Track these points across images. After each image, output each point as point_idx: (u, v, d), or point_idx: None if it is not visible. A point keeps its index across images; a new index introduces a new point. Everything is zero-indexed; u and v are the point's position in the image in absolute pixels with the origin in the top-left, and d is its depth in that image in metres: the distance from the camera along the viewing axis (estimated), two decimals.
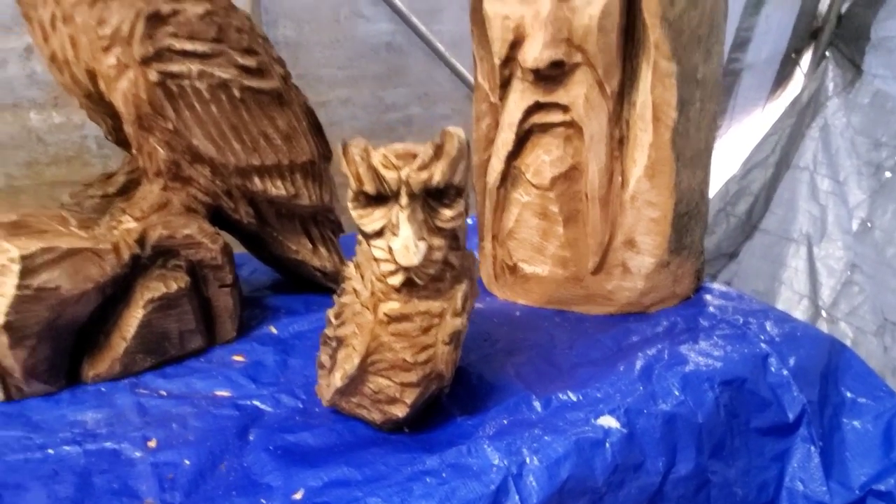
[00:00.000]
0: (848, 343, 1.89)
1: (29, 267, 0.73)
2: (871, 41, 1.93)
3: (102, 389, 0.83)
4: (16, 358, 0.75)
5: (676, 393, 0.85)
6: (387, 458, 0.71)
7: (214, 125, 0.84)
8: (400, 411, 0.72)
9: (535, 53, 0.92)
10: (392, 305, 0.67)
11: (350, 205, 0.66)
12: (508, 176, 1.07)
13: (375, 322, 0.68)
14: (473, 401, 0.83)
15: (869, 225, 1.85)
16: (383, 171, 0.63)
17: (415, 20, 1.78)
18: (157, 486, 0.67)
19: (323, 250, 1.03)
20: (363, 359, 0.69)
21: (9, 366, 0.76)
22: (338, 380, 0.72)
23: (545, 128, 1.00)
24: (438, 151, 0.64)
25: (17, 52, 1.50)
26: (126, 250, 0.80)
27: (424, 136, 1.90)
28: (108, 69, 0.78)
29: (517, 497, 0.68)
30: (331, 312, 0.80)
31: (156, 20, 0.79)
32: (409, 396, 0.71)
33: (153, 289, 0.83)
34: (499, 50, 0.99)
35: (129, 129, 0.82)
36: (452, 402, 0.82)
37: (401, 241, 0.63)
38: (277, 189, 0.92)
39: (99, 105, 0.84)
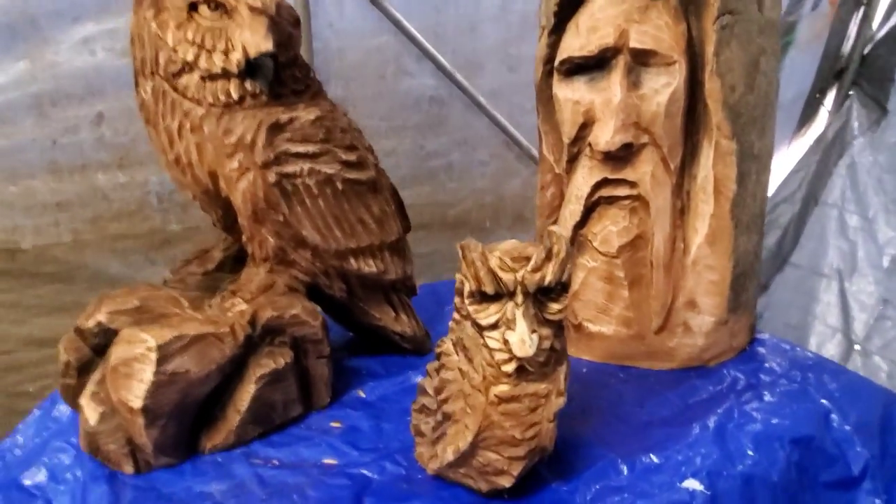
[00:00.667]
0: (883, 377, 1.95)
1: (164, 354, 0.80)
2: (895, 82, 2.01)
3: (219, 460, 0.89)
4: (149, 436, 0.82)
5: (751, 453, 0.91)
6: None
7: (320, 216, 0.92)
8: (506, 482, 0.79)
9: (607, 137, 0.99)
10: (503, 388, 0.74)
11: (466, 301, 0.73)
12: (574, 243, 1.14)
13: (487, 403, 0.75)
14: (563, 465, 0.89)
15: None
16: (501, 274, 0.70)
17: (458, 75, 1.86)
18: None
19: (403, 316, 1.10)
20: (475, 436, 0.76)
21: (142, 443, 0.83)
22: (449, 454, 0.79)
23: (612, 200, 1.07)
24: (549, 253, 0.70)
25: (89, 118, 1.59)
26: (241, 332, 0.87)
27: (465, 181, 1.98)
28: (231, 172, 0.86)
29: None
30: (427, 385, 0.87)
31: (275, 128, 0.87)
32: (516, 469, 0.78)
33: (263, 365, 0.90)
34: (568, 131, 1.07)
35: (243, 221, 0.89)
36: (543, 465, 0.88)
37: (517, 336, 0.70)
38: (369, 267, 0.99)
39: (214, 200, 0.92)
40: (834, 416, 0.99)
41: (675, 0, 0.97)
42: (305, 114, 0.90)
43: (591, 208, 1.10)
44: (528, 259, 0.71)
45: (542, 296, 0.72)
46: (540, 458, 0.80)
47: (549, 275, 0.70)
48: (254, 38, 0.83)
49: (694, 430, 0.94)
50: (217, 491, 0.83)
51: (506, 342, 0.71)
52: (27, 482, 0.87)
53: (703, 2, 0.96)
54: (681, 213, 1.08)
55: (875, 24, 2.22)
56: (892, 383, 1.87)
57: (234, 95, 0.85)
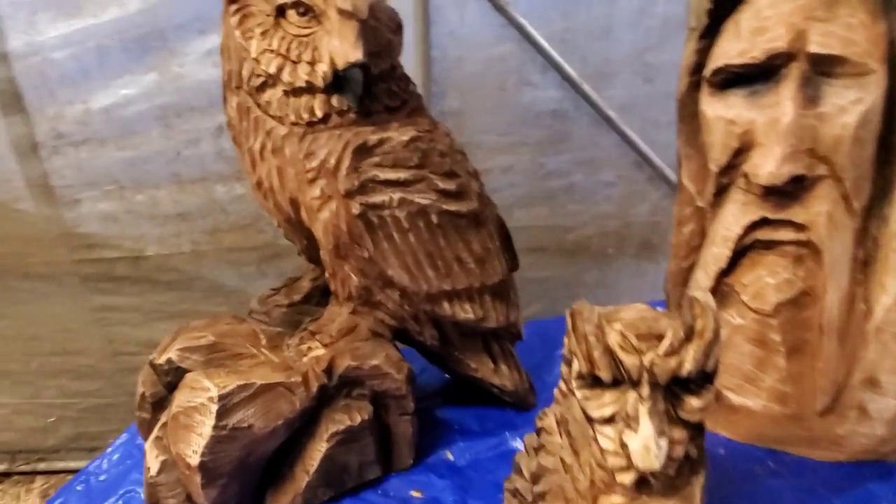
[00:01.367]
0: None
1: (226, 406, 0.71)
2: None
3: None
4: (207, 497, 0.73)
5: None
6: None
7: (410, 254, 0.80)
8: None
9: (770, 168, 0.78)
10: (616, 501, 0.57)
11: (574, 382, 0.57)
12: (716, 293, 0.93)
13: None
14: None
15: None
16: (622, 355, 0.53)
17: (585, 87, 1.68)
18: None
19: (503, 367, 0.95)
20: None
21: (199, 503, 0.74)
22: None
23: (770, 245, 0.86)
24: (690, 332, 0.53)
25: (210, 131, 1.59)
26: (315, 382, 0.77)
27: (587, 203, 1.78)
28: (312, 200, 0.76)
29: None
30: (523, 463, 0.72)
31: (362, 152, 0.76)
32: None
33: (338, 421, 0.79)
34: (718, 157, 0.87)
35: (325, 255, 0.79)
36: None
37: (640, 441, 0.52)
38: (466, 313, 0.85)
39: (297, 229, 0.82)
40: None
41: None
42: (398, 134, 0.78)
43: (741, 253, 0.89)
44: (659, 337, 0.53)
45: (676, 387, 0.54)
46: None
47: (689, 362, 0.52)
48: (342, 47, 0.72)
49: None
50: None
51: (623, 445, 0.54)
52: None
53: None
54: (863, 265, 0.84)
55: None
56: None
57: (318, 113, 0.75)
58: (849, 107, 0.76)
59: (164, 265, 1.80)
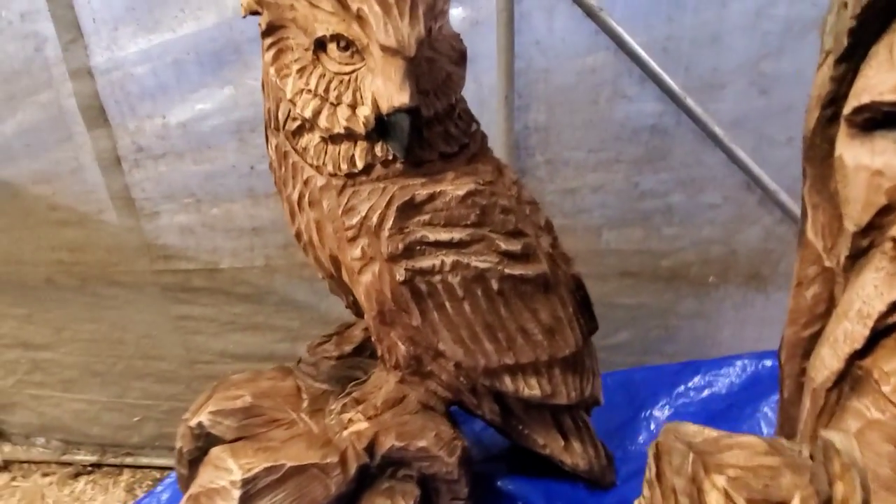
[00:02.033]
0: None
1: (250, 493, 0.64)
2: None
3: None
4: None
5: None
6: None
7: (465, 325, 0.68)
8: None
9: None
10: None
11: None
12: (848, 377, 0.75)
13: None
14: None
15: None
16: None
17: (689, 100, 1.50)
18: None
19: (576, 445, 0.82)
20: None
21: None
22: None
23: None
24: (827, 499, 0.38)
25: None
26: (354, 461, 0.68)
27: (687, 227, 1.60)
28: (352, 261, 0.66)
29: None
30: None
31: (409, 208, 0.65)
32: None
33: None
34: (858, 215, 0.69)
35: (369, 320, 0.70)
36: None
37: None
38: (531, 389, 0.73)
39: (340, 285, 0.73)
40: None
41: None
42: (453, 188, 0.66)
43: (883, 333, 0.71)
44: (783, 499, 0.39)
45: None
46: None
47: None
48: (386, 89, 0.61)
49: None
50: None
51: None
52: None
53: None
54: None
55: None
56: None
57: (359, 163, 0.65)
58: None
59: (237, 278, 1.80)
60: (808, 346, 0.82)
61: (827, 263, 0.78)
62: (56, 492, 2.31)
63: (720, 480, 0.41)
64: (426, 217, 0.66)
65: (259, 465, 0.65)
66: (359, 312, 0.79)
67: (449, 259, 0.67)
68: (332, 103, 0.65)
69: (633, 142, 1.58)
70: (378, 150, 0.66)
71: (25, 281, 1.85)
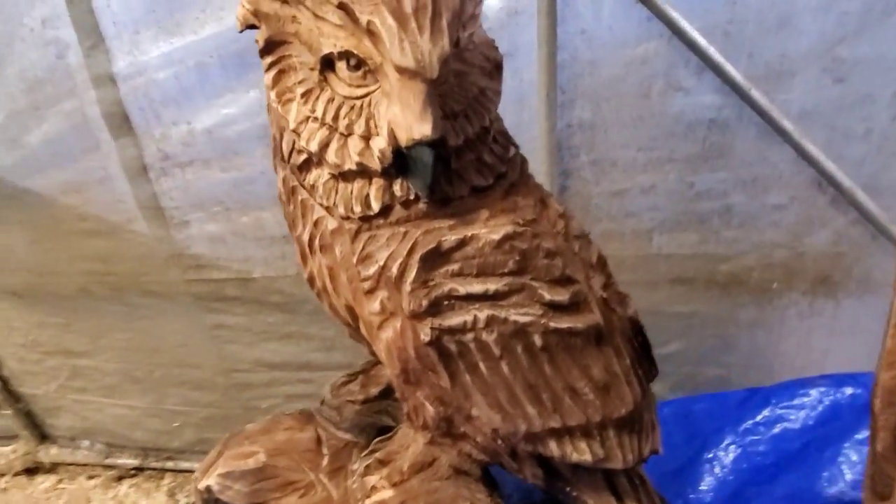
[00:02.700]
0: None
1: None
2: None
3: None
4: None
5: None
6: None
7: (503, 387, 0.59)
8: None
9: None
10: None
11: None
12: None
13: None
14: None
15: None
16: None
17: (753, 91, 1.35)
18: None
19: None
20: None
21: None
22: None
23: None
24: None
25: None
26: None
27: (748, 230, 1.45)
28: (371, 316, 0.57)
29: None
30: None
31: (435, 258, 0.55)
32: None
33: None
34: None
35: (392, 378, 0.61)
36: None
37: None
38: (581, 454, 0.63)
39: (358, 335, 0.64)
40: None
41: None
42: (487, 231, 0.56)
43: None
44: None
45: None
46: None
47: None
48: (404, 118, 0.51)
49: None
50: None
51: None
52: None
53: None
54: None
55: None
56: None
57: (375, 205, 0.55)
58: None
59: (270, 287, 1.75)
60: None
61: None
62: (101, 495, 2.33)
63: None
64: (455, 267, 0.55)
65: None
66: (381, 362, 0.71)
67: (483, 314, 0.56)
68: (342, 134, 0.55)
69: (689, 138, 1.44)
70: (397, 188, 0.56)
71: (60, 291, 1.84)
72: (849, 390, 0.95)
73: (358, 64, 0.52)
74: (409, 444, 0.64)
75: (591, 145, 1.47)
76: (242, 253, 1.68)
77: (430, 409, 0.60)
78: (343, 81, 0.53)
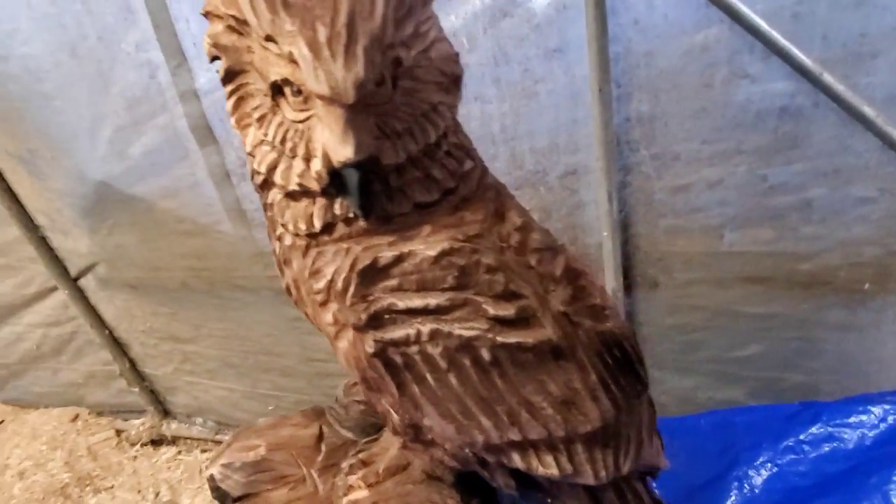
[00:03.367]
0: None
1: None
2: None
3: None
4: None
5: None
6: None
7: (454, 400, 0.60)
8: None
9: None
10: None
11: None
12: None
13: None
14: None
15: None
16: None
17: (827, 76, 1.23)
18: None
19: None
20: None
21: None
22: None
23: None
24: None
25: None
26: None
27: (831, 226, 1.34)
28: (327, 326, 0.61)
29: None
30: None
31: (372, 273, 0.57)
32: None
33: None
34: None
35: (359, 384, 0.64)
36: None
37: None
38: (547, 467, 0.63)
39: None
40: None
41: None
42: (425, 246, 0.57)
43: None
44: None
45: None
46: None
47: None
48: (330, 141, 0.54)
49: None
50: None
51: None
52: None
53: None
54: None
55: None
56: None
57: (317, 223, 0.58)
58: None
59: None
60: None
61: None
62: None
63: None
64: (394, 282, 0.57)
65: None
66: None
67: (426, 328, 0.57)
68: (287, 156, 0.58)
69: (758, 129, 1.34)
70: (337, 207, 0.59)
71: (165, 284, 2.05)
72: None
73: (298, 90, 0.55)
74: (389, 447, 0.68)
75: (652, 139, 1.41)
76: None
77: (395, 417, 0.63)
78: (290, 106, 0.57)
